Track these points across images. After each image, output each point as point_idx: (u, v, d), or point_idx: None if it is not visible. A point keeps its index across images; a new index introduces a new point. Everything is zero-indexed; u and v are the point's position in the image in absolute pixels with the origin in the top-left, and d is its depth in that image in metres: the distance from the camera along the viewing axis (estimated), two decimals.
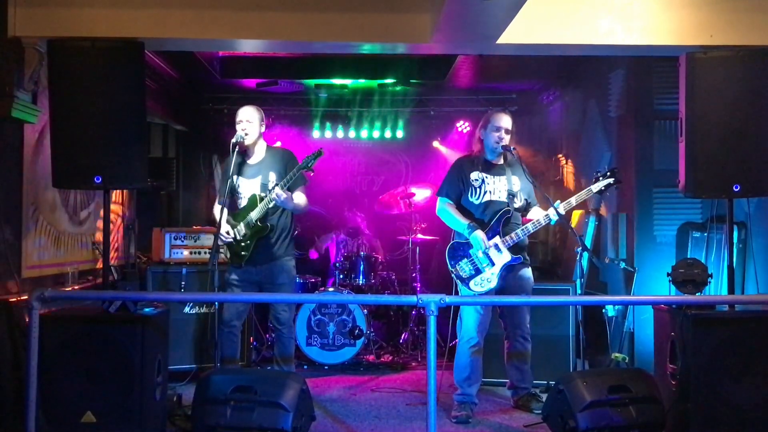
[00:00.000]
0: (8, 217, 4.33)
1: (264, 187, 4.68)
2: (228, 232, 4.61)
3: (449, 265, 4.62)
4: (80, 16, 4.27)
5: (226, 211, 4.60)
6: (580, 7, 4.44)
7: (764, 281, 4.88)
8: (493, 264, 4.53)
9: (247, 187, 4.72)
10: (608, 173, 4.61)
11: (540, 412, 4.35)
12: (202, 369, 5.32)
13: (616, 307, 5.64)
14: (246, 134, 4.65)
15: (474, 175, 4.69)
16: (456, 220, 4.62)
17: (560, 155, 7.45)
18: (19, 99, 4.27)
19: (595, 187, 4.60)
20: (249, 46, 4.88)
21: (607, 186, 4.60)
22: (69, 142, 4.18)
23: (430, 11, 4.40)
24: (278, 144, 8.23)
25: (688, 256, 5.11)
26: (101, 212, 4.91)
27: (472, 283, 4.55)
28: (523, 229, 4.56)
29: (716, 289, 4.92)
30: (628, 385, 3.89)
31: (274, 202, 4.51)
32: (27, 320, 3.62)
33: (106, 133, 4.16)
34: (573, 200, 4.56)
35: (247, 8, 4.40)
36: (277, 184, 4.55)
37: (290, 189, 4.57)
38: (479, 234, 4.51)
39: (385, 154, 9.03)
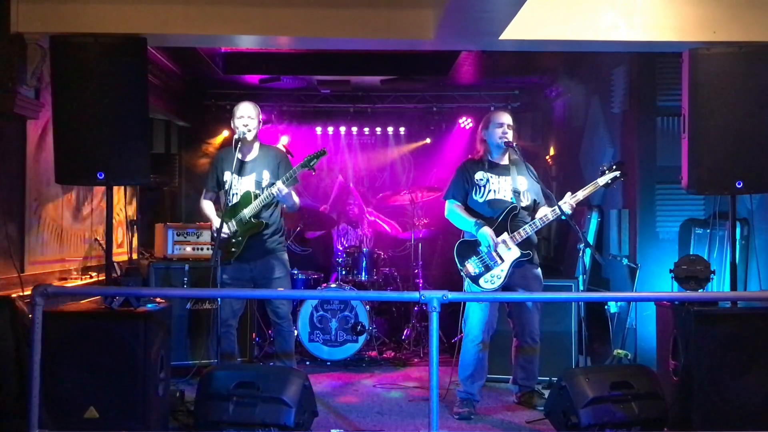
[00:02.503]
0: (11, 213, 4.34)
1: (258, 184, 4.69)
2: (220, 228, 4.50)
3: (458, 264, 4.57)
4: (83, 12, 4.27)
5: (213, 205, 4.80)
6: (583, 3, 4.43)
7: (767, 278, 4.87)
8: (502, 260, 4.49)
9: (242, 185, 4.72)
10: (614, 166, 4.56)
11: (542, 408, 4.35)
12: (200, 366, 5.32)
13: (619, 303, 5.64)
14: (248, 130, 4.66)
15: (479, 175, 4.67)
16: (464, 220, 4.60)
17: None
18: (21, 95, 4.27)
19: (602, 181, 4.53)
20: (252, 41, 4.88)
21: (614, 179, 4.54)
22: (71, 138, 4.18)
23: (433, 7, 4.39)
24: (283, 139, 8.27)
25: (691, 253, 5.10)
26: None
27: (481, 281, 4.51)
28: (531, 225, 4.51)
29: (719, 286, 4.92)
30: (630, 382, 3.89)
31: (273, 197, 4.53)
32: (30, 316, 3.63)
33: (108, 129, 4.16)
34: (580, 194, 4.51)
35: (250, 4, 4.40)
36: (278, 180, 4.55)
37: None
38: (487, 230, 4.49)
39: (388, 150, 9.00)
